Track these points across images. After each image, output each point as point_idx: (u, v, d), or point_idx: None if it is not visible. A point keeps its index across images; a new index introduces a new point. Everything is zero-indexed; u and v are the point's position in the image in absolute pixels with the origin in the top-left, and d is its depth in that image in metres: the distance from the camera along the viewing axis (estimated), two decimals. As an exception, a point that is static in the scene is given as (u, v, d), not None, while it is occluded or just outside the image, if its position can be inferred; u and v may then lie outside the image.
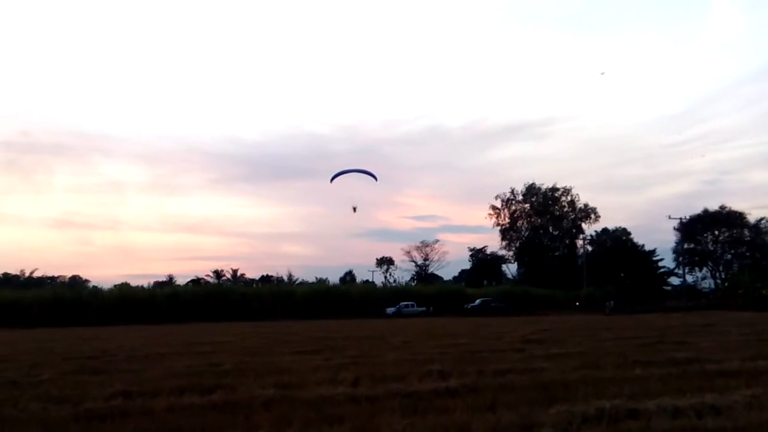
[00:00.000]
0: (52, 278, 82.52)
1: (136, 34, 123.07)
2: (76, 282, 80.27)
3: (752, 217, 70.83)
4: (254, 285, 78.90)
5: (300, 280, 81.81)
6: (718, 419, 6.05)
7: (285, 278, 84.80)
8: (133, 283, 66.19)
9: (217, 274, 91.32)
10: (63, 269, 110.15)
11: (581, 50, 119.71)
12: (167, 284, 79.47)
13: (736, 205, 73.55)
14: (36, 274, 78.10)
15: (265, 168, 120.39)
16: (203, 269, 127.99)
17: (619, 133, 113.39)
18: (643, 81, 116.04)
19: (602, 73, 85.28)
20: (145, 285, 64.31)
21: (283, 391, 8.62)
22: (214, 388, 9.34)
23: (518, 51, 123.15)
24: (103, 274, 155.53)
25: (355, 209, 27.38)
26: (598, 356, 12.63)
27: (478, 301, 51.45)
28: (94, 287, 61.48)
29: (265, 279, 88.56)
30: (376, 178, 21.06)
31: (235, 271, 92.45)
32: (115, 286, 61.85)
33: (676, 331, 21.26)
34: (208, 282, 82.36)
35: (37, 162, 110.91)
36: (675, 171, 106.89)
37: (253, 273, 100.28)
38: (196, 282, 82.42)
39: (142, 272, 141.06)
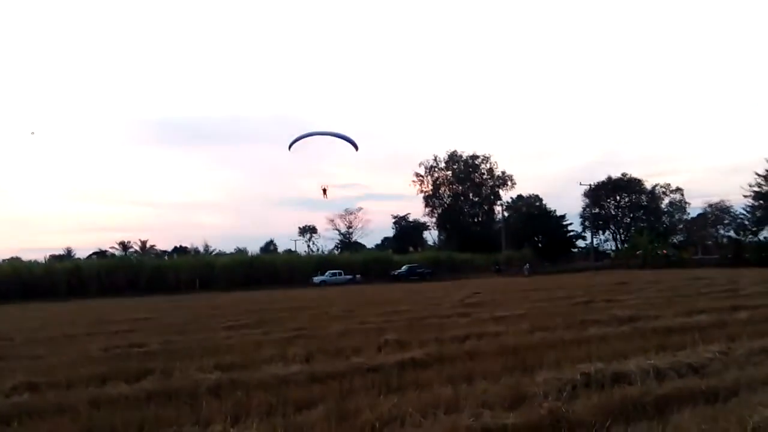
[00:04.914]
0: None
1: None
2: (-42, 257, 70.90)
3: (649, 184, 77.76)
4: (167, 257, 74.28)
5: (217, 250, 78.28)
6: (706, 380, 5.94)
7: (201, 249, 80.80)
8: (25, 257, 59.23)
9: (124, 245, 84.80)
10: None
11: (488, 22, 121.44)
12: (65, 258, 72.63)
13: (636, 172, 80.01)
14: None
15: (177, 131, 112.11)
16: (106, 241, 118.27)
17: (527, 104, 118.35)
18: (549, 57, 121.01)
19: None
20: (40, 259, 58.22)
21: (228, 374, 7.59)
22: (143, 373, 8.10)
23: (438, 23, 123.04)
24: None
25: (325, 191, 23.62)
26: (543, 317, 12.73)
27: (404, 267, 51.90)
28: (-20, 262, 54.42)
29: (179, 250, 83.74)
30: (356, 146, 18.16)
31: (144, 242, 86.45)
32: (4, 260, 55.39)
33: (598, 290, 22.40)
34: (114, 255, 76.28)
35: None
36: (579, 141, 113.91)
37: (164, 244, 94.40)
38: (100, 255, 76.08)
39: (34, 246, 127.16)
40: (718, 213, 77.14)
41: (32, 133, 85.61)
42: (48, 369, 9.05)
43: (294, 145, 17.51)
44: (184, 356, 9.56)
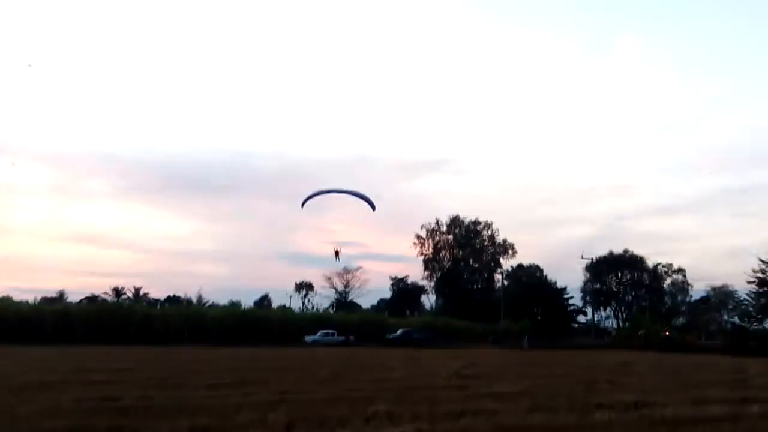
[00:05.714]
0: None
1: (46, 27, 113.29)
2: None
3: (650, 262, 77.19)
4: (159, 306, 72.73)
5: (211, 302, 76.79)
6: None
7: (194, 299, 79.32)
8: (17, 297, 57.88)
9: (117, 291, 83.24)
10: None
11: (496, 94, 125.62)
12: (57, 300, 71.20)
13: (637, 249, 79.73)
14: None
15: (180, 180, 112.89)
16: (100, 286, 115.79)
17: (532, 174, 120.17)
18: (556, 129, 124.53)
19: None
20: (31, 300, 56.95)
21: (202, 439, 7.00)
22: (111, 431, 7.49)
23: (442, 91, 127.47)
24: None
25: (337, 253, 23.67)
26: (544, 397, 12.02)
27: (399, 331, 50.58)
28: (-32, 300, 53.17)
29: (173, 299, 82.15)
30: (373, 206, 17.80)
31: (137, 290, 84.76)
32: (-6, 299, 54.18)
33: (601, 369, 21.53)
34: (106, 300, 74.74)
35: None
36: (581, 214, 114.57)
37: (158, 292, 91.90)
38: (92, 299, 74.58)
39: (28, 286, 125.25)
40: (721, 297, 76.06)
41: (13, 163, 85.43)
42: (12, 420, 8.43)
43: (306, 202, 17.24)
44: (158, 415, 8.93)
